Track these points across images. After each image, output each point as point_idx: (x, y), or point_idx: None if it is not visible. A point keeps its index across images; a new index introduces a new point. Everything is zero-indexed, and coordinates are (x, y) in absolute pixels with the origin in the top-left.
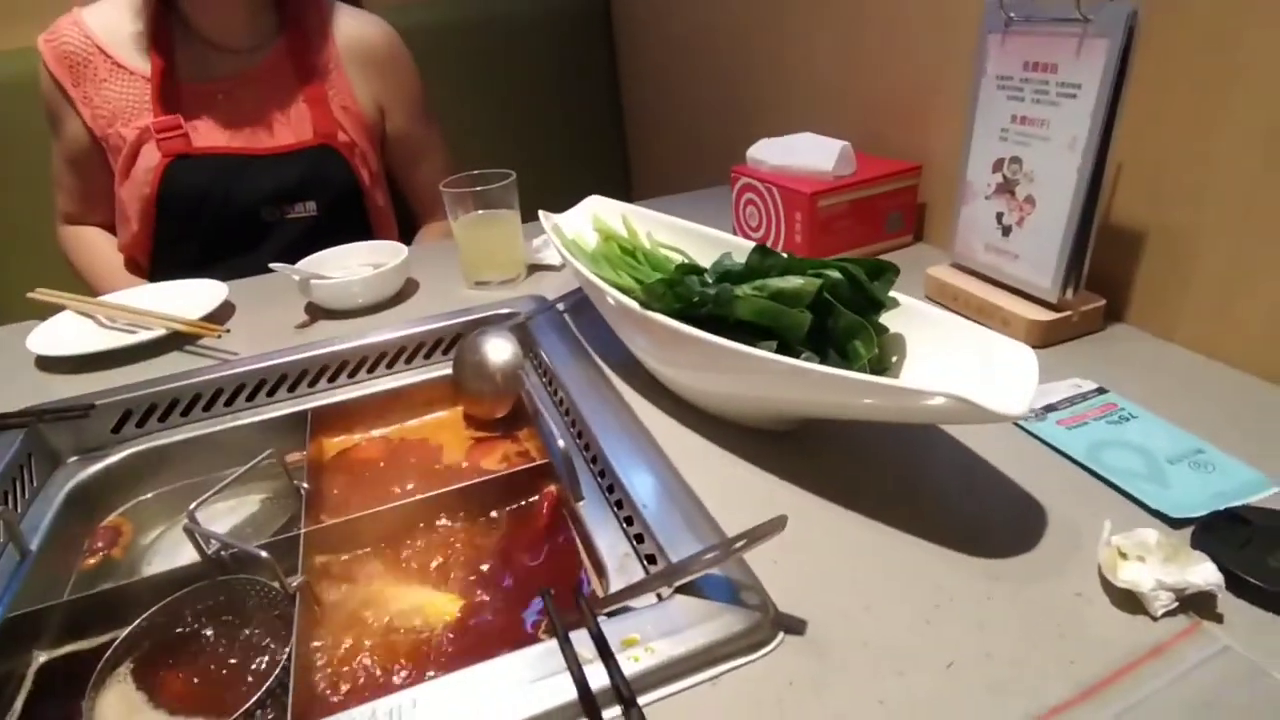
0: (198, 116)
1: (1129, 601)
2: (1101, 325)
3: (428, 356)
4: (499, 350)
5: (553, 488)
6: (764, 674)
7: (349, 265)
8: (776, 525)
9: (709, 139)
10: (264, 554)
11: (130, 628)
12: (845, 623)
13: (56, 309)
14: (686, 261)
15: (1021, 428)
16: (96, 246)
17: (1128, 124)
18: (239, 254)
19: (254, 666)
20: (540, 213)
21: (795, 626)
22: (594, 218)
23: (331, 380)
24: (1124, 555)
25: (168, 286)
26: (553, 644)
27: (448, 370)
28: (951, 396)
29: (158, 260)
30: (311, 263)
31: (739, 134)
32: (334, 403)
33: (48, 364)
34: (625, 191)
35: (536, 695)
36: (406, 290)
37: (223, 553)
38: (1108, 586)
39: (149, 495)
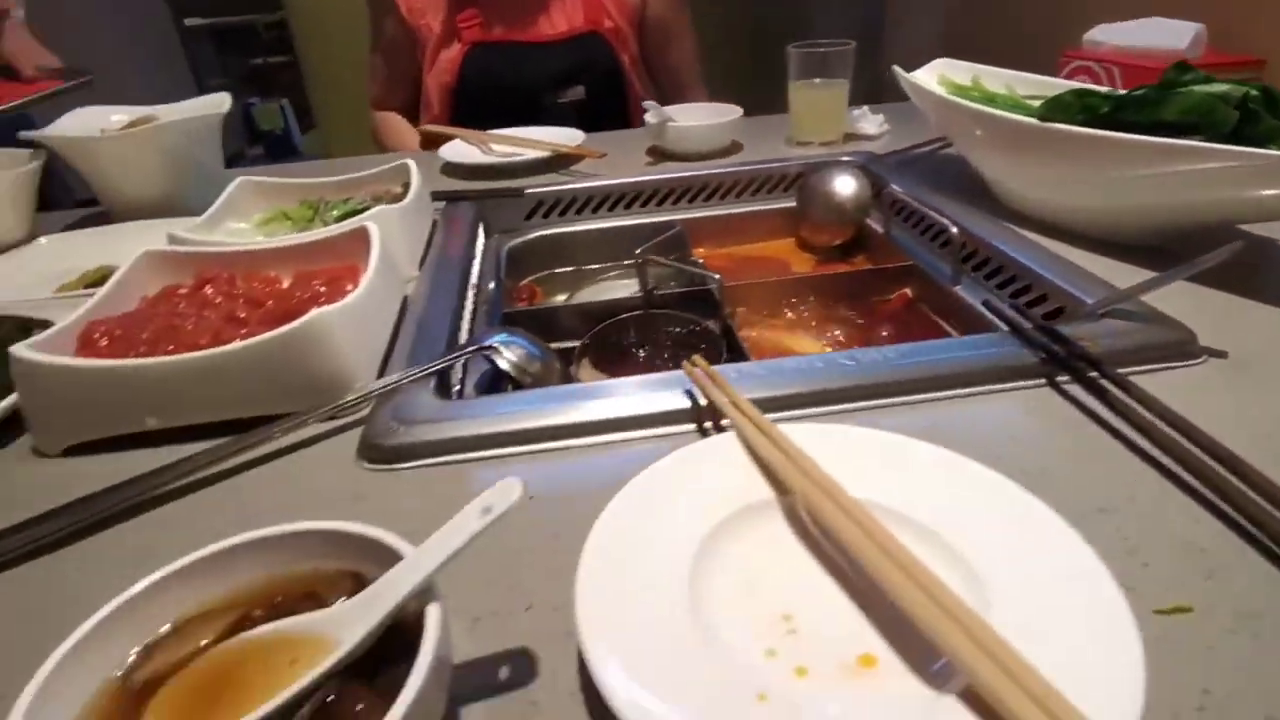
0: (491, 7)
1: None
2: None
3: (766, 191)
4: (845, 184)
5: (906, 290)
6: (1185, 379)
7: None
8: (1225, 252)
9: (1029, 26)
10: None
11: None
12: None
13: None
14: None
15: None
16: (400, 129)
17: None
18: None
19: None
20: (895, 69)
21: (1217, 353)
22: (939, 76)
23: (690, 201)
24: None
25: (529, 129)
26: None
27: (780, 204)
28: None
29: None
30: None
31: (1061, 25)
32: (694, 218)
33: (451, 169)
34: None
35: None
36: (733, 148)
37: (656, 291)
38: None
39: (553, 270)
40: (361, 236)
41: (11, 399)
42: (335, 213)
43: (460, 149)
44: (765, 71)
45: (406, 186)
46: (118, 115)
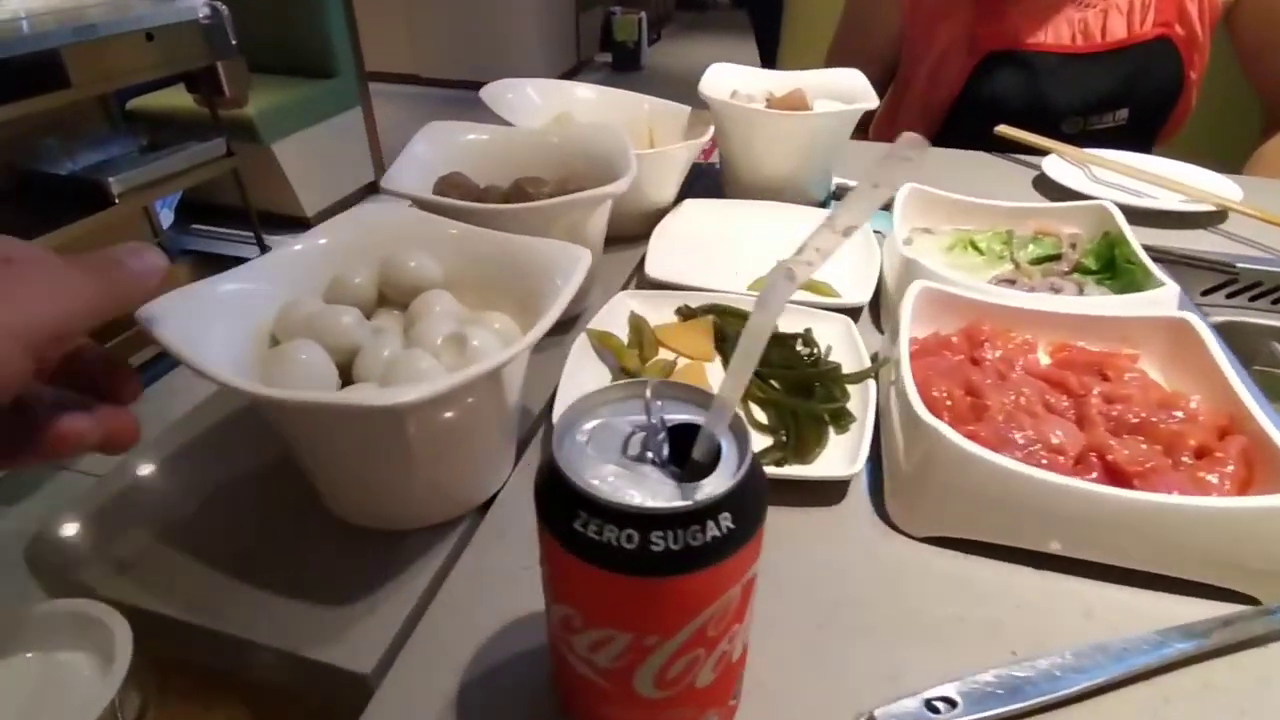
0: (1031, 13)
1: None
2: None
3: None
4: None
5: None
6: None
7: None
8: None
9: None
10: None
11: None
12: None
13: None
14: None
15: None
16: None
17: None
18: None
19: None
20: None
21: None
22: None
23: None
24: None
25: (1149, 160)
26: None
27: None
28: None
29: None
30: None
31: None
32: None
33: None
34: None
35: None
36: None
37: None
38: None
39: None
40: (1171, 329)
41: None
42: (1027, 253)
43: (1060, 168)
44: None
45: (1108, 236)
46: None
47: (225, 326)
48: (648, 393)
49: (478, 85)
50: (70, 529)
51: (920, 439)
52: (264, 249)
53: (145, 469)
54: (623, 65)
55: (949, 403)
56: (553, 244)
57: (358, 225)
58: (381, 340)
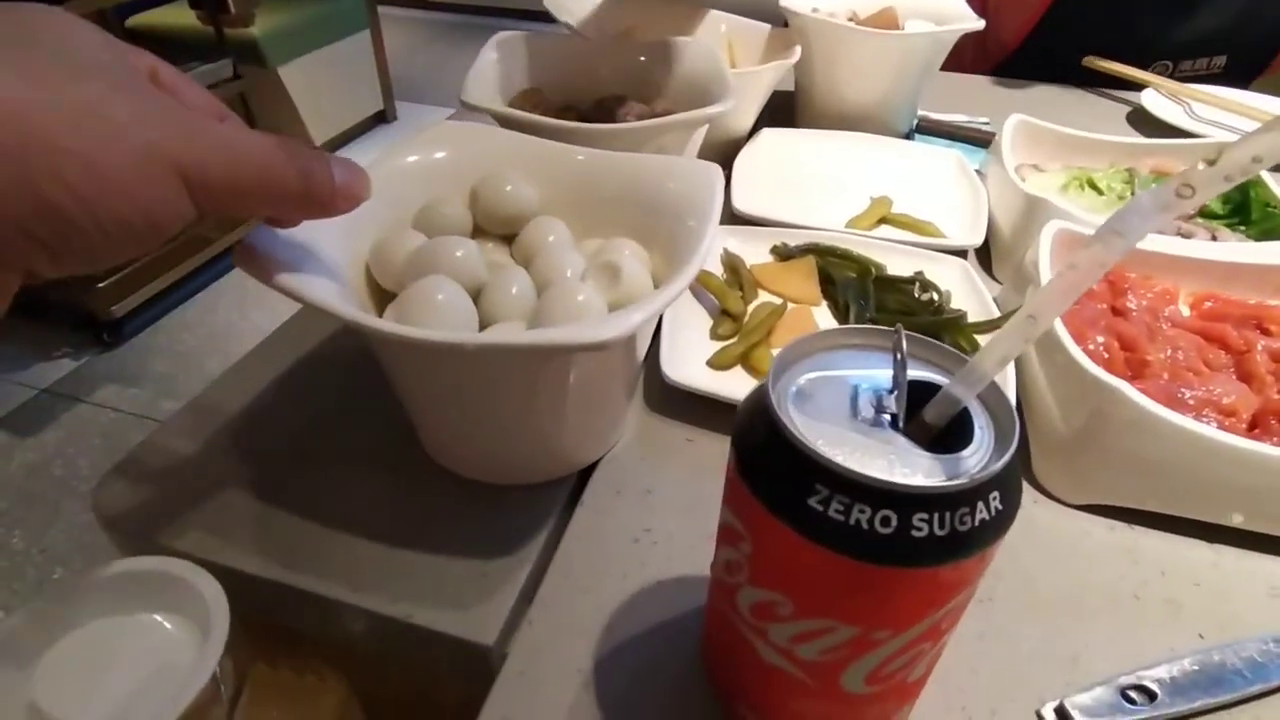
0: None
1: None
2: None
3: None
4: None
5: None
6: None
7: None
8: None
9: None
10: None
11: None
12: None
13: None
14: None
15: None
16: None
17: None
18: None
19: None
20: None
21: None
22: None
23: None
24: None
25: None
26: None
27: None
28: None
29: None
30: None
31: None
32: None
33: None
34: None
35: None
36: None
37: None
38: None
39: None
40: None
41: None
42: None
43: (1159, 103)
44: None
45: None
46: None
47: (320, 265)
48: (903, 343)
49: (489, 11)
50: (142, 478)
51: (1085, 397)
52: None
53: (216, 412)
54: None
55: (1106, 356)
56: (674, 162)
57: (441, 144)
58: (506, 276)
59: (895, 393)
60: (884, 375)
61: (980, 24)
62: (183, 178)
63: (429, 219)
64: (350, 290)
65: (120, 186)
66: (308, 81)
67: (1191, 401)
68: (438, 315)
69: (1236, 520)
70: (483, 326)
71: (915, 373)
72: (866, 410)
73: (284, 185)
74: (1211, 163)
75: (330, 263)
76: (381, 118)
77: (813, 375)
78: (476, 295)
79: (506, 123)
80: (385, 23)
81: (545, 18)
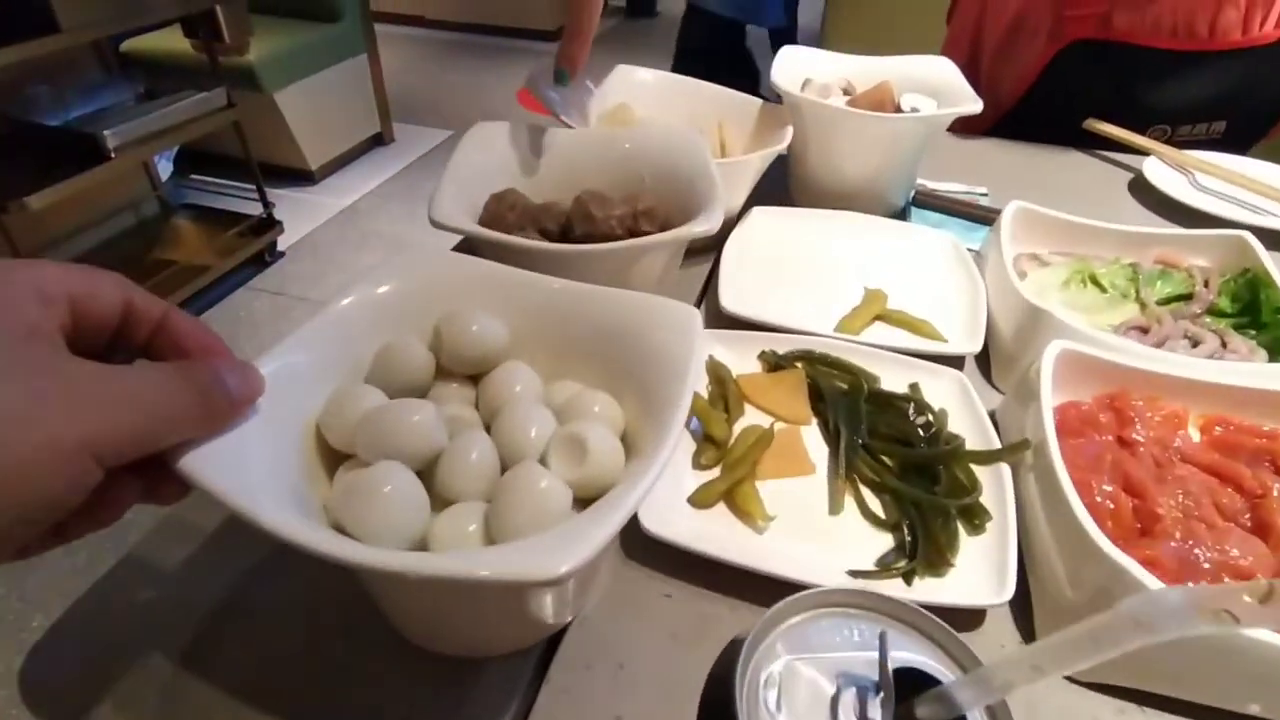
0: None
1: None
2: None
3: None
4: None
5: None
6: None
7: None
8: None
9: None
10: None
11: None
12: None
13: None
14: None
15: None
16: None
17: None
18: None
19: None
20: None
21: None
22: None
23: None
24: None
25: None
26: None
27: None
28: None
29: None
30: None
31: None
32: None
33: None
34: None
35: None
36: None
37: None
38: None
39: None
40: None
41: None
42: (1154, 290)
43: (1161, 173)
44: None
45: (1248, 274)
46: (837, 69)
47: (265, 434)
48: (886, 647)
49: (486, 30)
50: (64, 651)
51: (1092, 569)
52: (266, 203)
53: (158, 560)
54: (637, 11)
55: (1112, 506)
56: (652, 303)
57: (406, 274)
58: (466, 441)
59: (881, 695)
60: (868, 659)
61: (978, 106)
62: (94, 456)
63: (388, 363)
64: (300, 468)
65: (27, 482)
66: (304, 106)
67: (1207, 566)
68: (383, 509)
69: (1254, 709)
70: (436, 502)
71: (903, 654)
72: (848, 716)
73: (187, 418)
74: (1263, 601)
75: (276, 437)
76: (379, 140)
77: (789, 659)
78: (434, 461)
79: (476, 245)
80: (381, 40)
81: (541, 35)
